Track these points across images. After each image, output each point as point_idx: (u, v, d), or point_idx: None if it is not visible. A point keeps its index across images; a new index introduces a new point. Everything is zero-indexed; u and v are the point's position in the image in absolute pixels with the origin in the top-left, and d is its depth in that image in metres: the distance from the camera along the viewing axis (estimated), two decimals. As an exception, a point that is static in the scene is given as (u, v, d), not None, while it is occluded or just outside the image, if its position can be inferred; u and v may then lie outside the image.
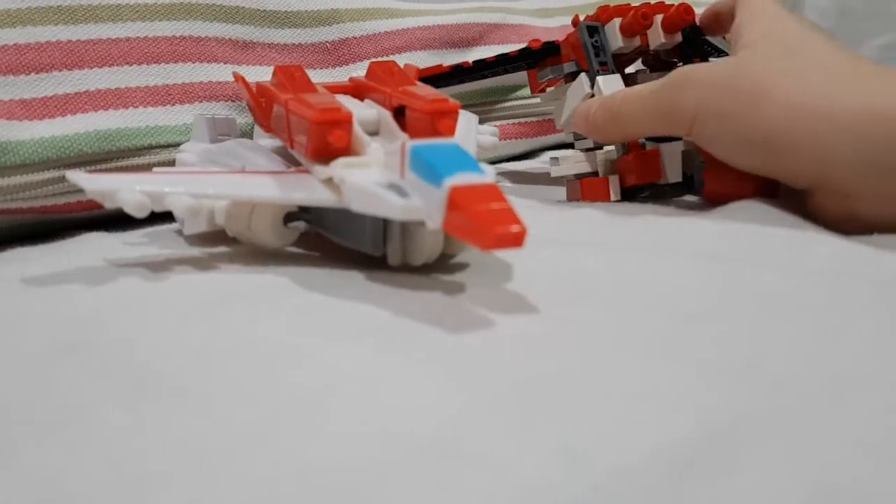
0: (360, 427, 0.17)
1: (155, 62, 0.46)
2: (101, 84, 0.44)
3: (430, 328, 0.23)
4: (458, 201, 0.23)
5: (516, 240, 0.22)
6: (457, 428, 0.16)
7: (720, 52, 0.47)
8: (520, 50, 0.45)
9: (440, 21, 0.58)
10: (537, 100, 0.62)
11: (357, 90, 0.36)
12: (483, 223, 0.22)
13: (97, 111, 0.43)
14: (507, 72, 0.48)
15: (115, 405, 0.19)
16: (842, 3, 0.87)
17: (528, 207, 0.29)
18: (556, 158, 0.42)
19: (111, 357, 0.22)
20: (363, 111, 0.32)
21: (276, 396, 0.19)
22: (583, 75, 0.42)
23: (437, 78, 0.47)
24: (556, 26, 0.66)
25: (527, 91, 0.61)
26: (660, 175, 0.39)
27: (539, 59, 0.46)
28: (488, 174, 0.25)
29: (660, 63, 0.45)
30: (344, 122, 0.29)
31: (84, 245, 0.38)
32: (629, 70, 0.44)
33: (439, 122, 0.29)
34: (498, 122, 0.59)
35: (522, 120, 0.61)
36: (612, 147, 0.41)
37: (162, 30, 0.47)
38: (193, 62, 0.47)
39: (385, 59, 0.54)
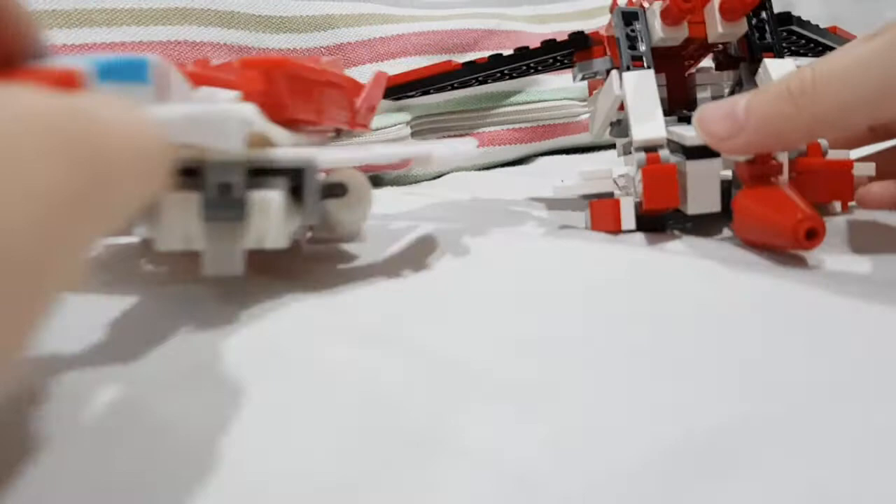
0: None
1: (150, 66, 0.46)
2: (96, 88, 0.44)
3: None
4: None
5: None
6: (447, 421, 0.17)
7: (818, 45, 0.38)
8: (543, 42, 0.37)
9: (435, 27, 0.59)
10: (530, 106, 0.62)
11: None
12: None
13: (92, 115, 0.43)
14: (535, 70, 0.39)
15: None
16: (834, 10, 0.88)
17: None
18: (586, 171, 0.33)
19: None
20: None
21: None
22: (614, 73, 0.33)
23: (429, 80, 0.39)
24: (549, 33, 0.66)
25: (521, 97, 0.62)
26: (676, 200, 0.29)
27: (570, 53, 0.37)
28: None
29: (730, 61, 0.35)
30: None
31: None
32: (692, 71, 0.36)
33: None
34: (492, 129, 0.60)
35: (516, 126, 0.61)
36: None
37: (157, 34, 0.47)
38: (188, 67, 0.47)
39: (380, 64, 0.55)
